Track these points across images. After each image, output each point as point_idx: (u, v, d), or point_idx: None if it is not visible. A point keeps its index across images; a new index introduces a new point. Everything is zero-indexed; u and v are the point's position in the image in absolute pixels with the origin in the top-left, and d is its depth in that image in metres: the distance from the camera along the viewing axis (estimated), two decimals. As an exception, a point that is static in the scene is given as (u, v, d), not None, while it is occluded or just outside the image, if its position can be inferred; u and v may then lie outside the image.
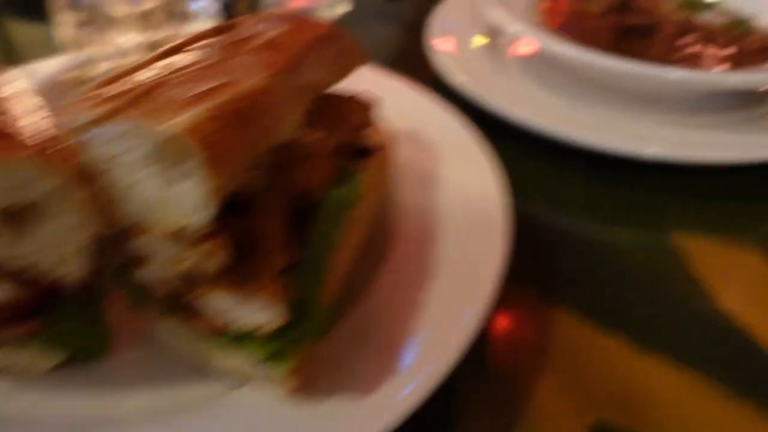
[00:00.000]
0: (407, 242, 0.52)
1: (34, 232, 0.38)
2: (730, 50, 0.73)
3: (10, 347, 0.43)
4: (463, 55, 0.77)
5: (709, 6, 0.82)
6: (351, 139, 0.52)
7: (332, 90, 0.53)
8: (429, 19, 0.85)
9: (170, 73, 0.40)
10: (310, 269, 0.40)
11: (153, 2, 0.79)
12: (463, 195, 0.55)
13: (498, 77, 0.74)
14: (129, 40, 0.75)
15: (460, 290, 0.47)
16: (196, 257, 0.36)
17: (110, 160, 0.36)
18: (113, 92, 0.38)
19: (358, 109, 0.53)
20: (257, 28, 0.46)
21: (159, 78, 0.39)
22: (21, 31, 0.98)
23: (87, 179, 0.37)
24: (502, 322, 0.52)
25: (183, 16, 0.83)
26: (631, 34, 0.75)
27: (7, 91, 0.44)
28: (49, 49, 0.82)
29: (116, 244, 0.40)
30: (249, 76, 0.39)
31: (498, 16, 0.73)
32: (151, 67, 0.42)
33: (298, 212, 0.42)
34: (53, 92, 0.64)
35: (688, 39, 0.75)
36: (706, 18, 0.80)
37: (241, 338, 0.39)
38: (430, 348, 0.43)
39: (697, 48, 0.73)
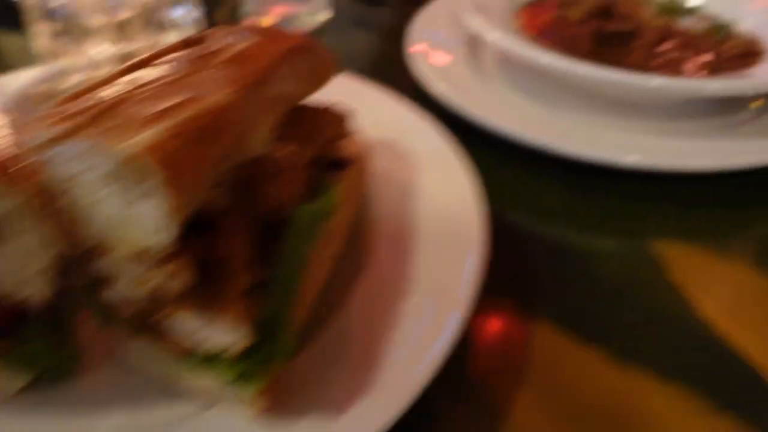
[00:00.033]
0: (383, 255, 0.52)
1: (-4, 253, 0.38)
2: (710, 56, 0.73)
3: (-25, 370, 0.42)
4: (443, 62, 0.77)
5: (690, 11, 0.82)
6: (325, 152, 0.52)
7: (307, 101, 0.52)
8: (409, 26, 0.84)
9: (134, 89, 0.39)
10: (279, 287, 0.40)
11: (130, 12, 0.78)
12: (440, 205, 0.55)
13: (478, 85, 0.74)
14: (102, 51, 0.74)
15: (436, 304, 0.47)
16: (159, 278, 0.35)
17: (71, 180, 0.35)
18: (75, 109, 0.37)
19: (332, 121, 0.53)
20: (227, 40, 0.46)
21: (122, 94, 0.38)
22: (-2, 41, 0.97)
23: (48, 199, 0.37)
24: (480, 334, 0.51)
25: (161, 26, 0.82)
26: (611, 41, 0.75)
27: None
28: (26, 59, 0.81)
29: (81, 265, 0.39)
30: (214, 92, 0.38)
31: (477, 23, 0.72)
32: (116, 82, 0.41)
33: (268, 228, 0.41)
34: (24, 106, 0.63)
35: (667, 45, 0.75)
36: (686, 23, 0.80)
37: (209, 359, 0.38)
38: (404, 364, 0.43)
39: (676, 54, 0.73)
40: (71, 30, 0.77)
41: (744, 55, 0.74)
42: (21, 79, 0.70)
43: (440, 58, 0.78)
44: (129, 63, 0.44)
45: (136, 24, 0.79)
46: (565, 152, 0.64)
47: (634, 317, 0.53)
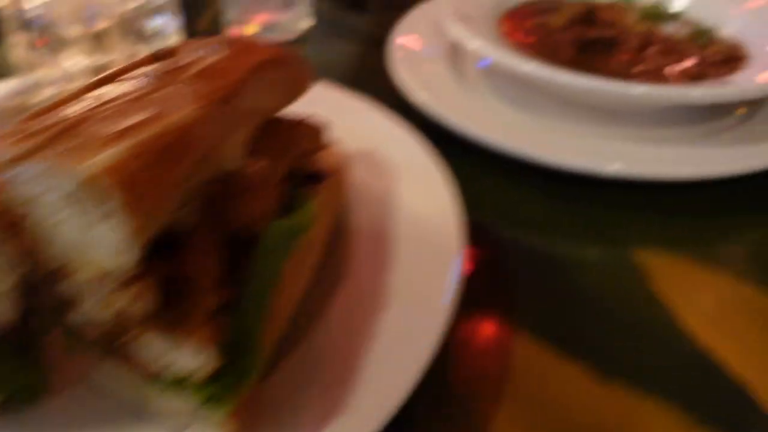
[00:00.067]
0: (361, 268, 0.51)
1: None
2: (693, 62, 0.73)
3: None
4: (425, 71, 0.76)
5: (672, 17, 0.82)
6: (301, 165, 0.51)
7: (283, 113, 0.51)
8: (391, 33, 0.84)
9: (98, 106, 0.38)
10: (249, 307, 0.39)
11: (107, 22, 0.77)
12: (419, 216, 0.54)
13: (460, 93, 0.73)
14: (76, 63, 0.73)
15: (414, 317, 0.46)
16: (122, 301, 0.34)
17: (31, 201, 0.34)
18: (38, 127, 0.37)
19: (308, 134, 0.52)
20: (197, 54, 0.45)
21: (86, 111, 0.37)
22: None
23: (10, 220, 0.36)
24: (459, 347, 0.50)
25: (140, 36, 0.81)
26: (593, 48, 0.74)
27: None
28: (3, 70, 0.80)
29: (45, 286, 0.38)
30: (180, 108, 0.37)
31: (458, 31, 0.71)
32: (82, 98, 0.40)
33: (239, 246, 0.41)
34: (-4, 120, 0.62)
35: (650, 51, 0.74)
36: (669, 29, 0.80)
37: (177, 382, 0.38)
38: (380, 382, 0.42)
39: (659, 60, 0.73)
40: (49, 40, 0.76)
41: (727, 60, 0.74)
42: (-7, 92, 0.69)
43: (422, 67, 0.77)
44: (96, 78, 0.43)
45: (114, 34, 0.78)
46: (546, 161, 0.63)
47: (616, 329, 0.52)
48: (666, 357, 0.50)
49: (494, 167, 0.66)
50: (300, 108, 0.53)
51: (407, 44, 0.81)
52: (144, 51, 0.80)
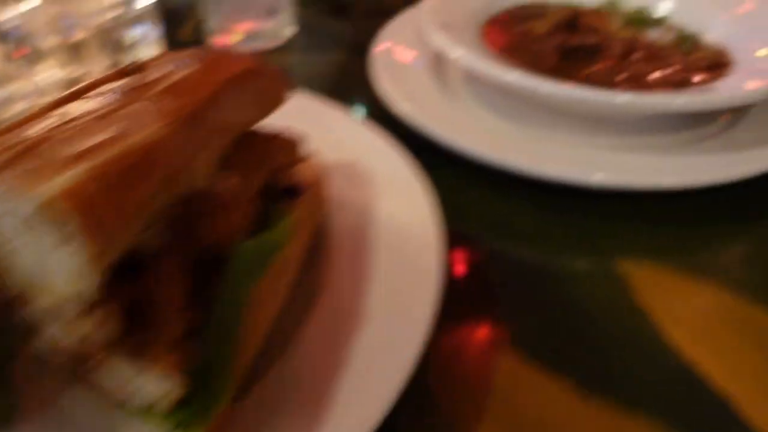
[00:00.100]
0: (338, 284, 0.50)
1: None
2: (677, 68, 0.72)
3: None
4: (407, 80, 0.75)
5: (657, 22, 0.81)
6: (277, 180, 0.50)
7: (258, 126, 0.50)
8: (373, 42, 0.83)
9: (62, 125, 0.37)
10: (218, 330, 0.38)
11: (85, 33, 0.76)
12: (398, 229, 0.53)
13: (444, 103, 0.72)
14: (48, 77, 0.72)
15: (392, 334, 0.45)
16: (84, 327, 0.33)
17: (-12, 225, 0.33)
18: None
19: (284, 147, 0.51)
20: (167, 68, 0.44)
21: (48, 131, 0.36)
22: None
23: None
24: (440, 362, 0.49)
25: (119, 46, 0.80)
26: (576, 55, 0.74)
27: None
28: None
29: (7, 312, 0.37)
30: (143, 127, 0.36)
31: (440, 40, 0.71)
32: (46, 116, 0.39)
33: (208, 267, 0.40)
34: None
35: (634, 57, 0.74)
36: (653, 35, 0.79)
37: (145, 409, 0.36)
38: (358, 400, 0.41)
39: (643, 67, 0.72)
40: (26, 52, 0.75)
41: (712, 66, 0.73)
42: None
43: (404, 76, 0.76)
44: (64, 95, 0.42)
45: (92, 45, 0.77)
46: (530, 172, 0.62)
47: (601, 343, 0.51)
48: (651, 371, 0.49)
49: (480, 178, 0.66)
50: (278, 119, 0.52)
51: (389, 53, 0.80)
52: (123, 61, 0.79)
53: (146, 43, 0.83)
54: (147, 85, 0.41)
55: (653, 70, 0.72)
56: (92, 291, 0.32)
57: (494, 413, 0.46)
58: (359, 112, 0.67)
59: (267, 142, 0.50)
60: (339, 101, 0.73)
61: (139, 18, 0.81)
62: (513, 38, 0.77)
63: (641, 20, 0.80)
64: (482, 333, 0.52)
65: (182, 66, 0.44)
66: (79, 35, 0.75)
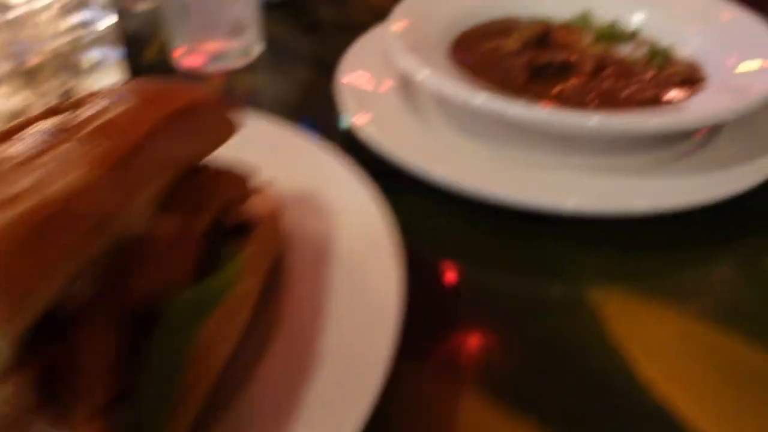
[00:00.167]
0: (293, 325, 0.48)
1: None
2: (649, 85, 0.70)
3: None
4: (374, 102, 0.73)
5: (629, 36, 0.79)
6: (226, 217, 0.47)
7: (208, 160, 0.48)
8: (342, 59, 0.81)
9: (-21, 173, 0.34)
10: (150, 393, 0.35)
11: (40, 57, 0.74)
12: (357, 265, 0.51)
13: (412, 126, 0.70)
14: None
15: (347, 380, 0.43)
16: (-2, 397, 0.31)
17: None
18: None
19: (233, 181, 0.48)
20: (101, 105, 0.41)
21: (-36, 180, 0.34)
22: None
23: None
24: (399, 405, 0.47)
25: (76, 71, 0.77)
26: (546, 72, 0.72)
27: None
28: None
29: None
30: (65, 174, 0.34)
31: (406, 61, 0.68)
32: (-33, 161, 0.37)
33: (144, 321, 0.37)
34: None
35: (605, 74, 0.72)
36: (625, 50, 0.77)
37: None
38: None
39: (614, 84, 0.70)
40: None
41: (685, 81, 0.71)
42: None
43: (371, 98, 0.74)
44: (-11, 136, 0.40)
45: (47, 70, 0.74)
46: (503, 200, 0.60)
47: (570, 382, 0.49)
48: (620, 412, 0.47)
49: (449, 203, 0.63)
50: (232, 148, 0.49)
51: (356, 75, 0.78)
52: (81, 86, 0.76)
53: (106, 66, 0.81)
54: (79, 125, 0.39)
55: (625, 87, 0.70)
56: (5, 357, 0.30)
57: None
58: (322, 135, 0.64)
59: (215, 177, 0.47)
60: (304, 122, 0.71)
61: (97, 41, 0.79)
62: (483, 56, 0.75)
63: (612, 35, 0.78)
64: (444, 370, 0.50)
65: (119, 102, 0.42)
66: (33, 60, 0.73)
